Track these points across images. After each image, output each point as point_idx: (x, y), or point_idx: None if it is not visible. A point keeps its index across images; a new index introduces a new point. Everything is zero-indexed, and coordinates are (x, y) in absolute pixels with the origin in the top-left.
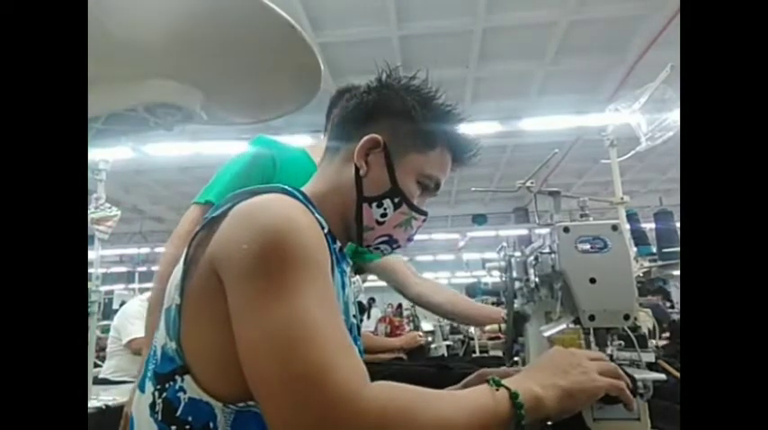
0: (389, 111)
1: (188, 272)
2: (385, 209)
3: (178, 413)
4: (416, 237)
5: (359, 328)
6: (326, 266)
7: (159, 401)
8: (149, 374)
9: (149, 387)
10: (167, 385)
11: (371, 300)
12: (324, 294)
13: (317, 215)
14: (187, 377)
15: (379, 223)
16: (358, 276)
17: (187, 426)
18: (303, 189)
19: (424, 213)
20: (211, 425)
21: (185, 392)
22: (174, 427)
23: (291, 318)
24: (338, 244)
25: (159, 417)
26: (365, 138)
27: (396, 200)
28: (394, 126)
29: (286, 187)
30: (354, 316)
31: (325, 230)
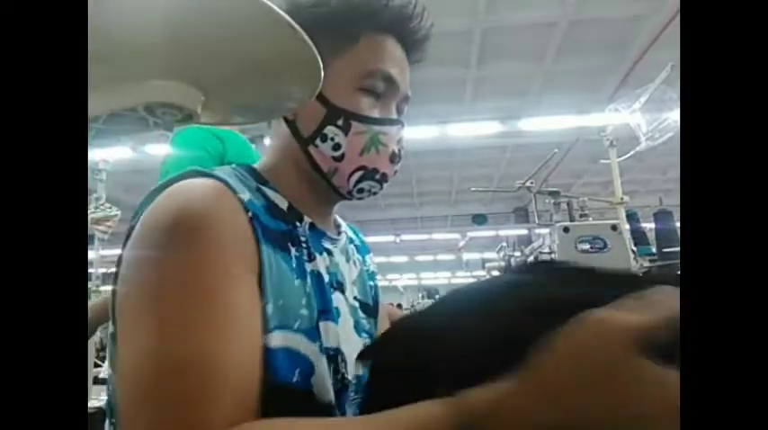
0: (329, 24)
1: (115, 297)
2: (333, 138)
3: None
4: (416, 237)
5: (369, 306)
6: (238, 262)
7: None
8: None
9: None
10: (113, 420)
11: None
12: (212, 304)
13: (268, 193)
14: (114, 416)
15: (336, 159)
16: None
17: None
18: (256, 166)
19: (392, 121)
20: None
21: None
22: None
23: (160, 345)
24: (306, 219)
25: None
26: None
27: (339, 122)
28: (334, 40)
29: (197, 169)
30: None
31: (285, 207)
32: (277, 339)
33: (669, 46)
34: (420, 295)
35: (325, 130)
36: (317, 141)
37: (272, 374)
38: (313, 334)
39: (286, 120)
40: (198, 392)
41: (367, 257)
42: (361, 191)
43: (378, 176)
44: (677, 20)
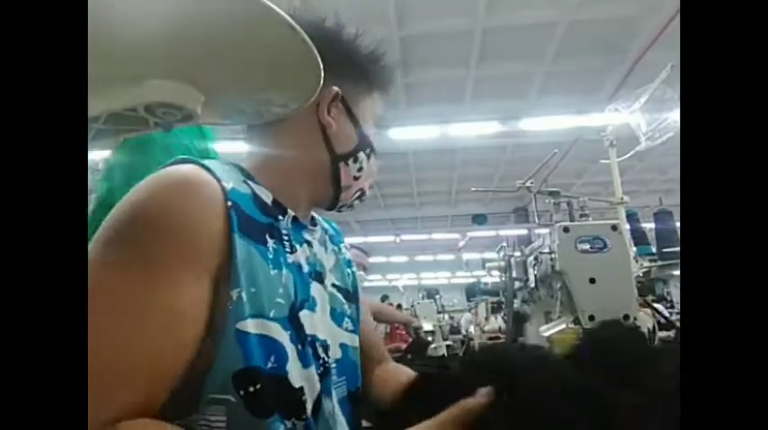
0: (332, 60)
1: None
2: (361, 163)
3: None
4: (416, 237)
5: (349, 292)
6: (196, 253)
7: None
8: None
9: None
10: None
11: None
12: (147, 298)
13: (254, 186)
14: None
15: (356, 179)
16: (363, 272)
17: None
18: (244, 163)
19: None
20: None
21: None
22: None
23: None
24: (290, 213)
25: None
26: (328, 92)
27: (367, 151)
28: (340, 75)
29: (186, 157)
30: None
31: (269, 201)
32: (251, 326)
33: (669, 46)
34: (420, 295)
35: (358, 155)
36: (350, 161)
37: (246, 359)
38: (289, 323)
39: (324, 133)
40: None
41: (341, 246)
42: (350, 206)
43: (363, 197)
44: (677, 20)
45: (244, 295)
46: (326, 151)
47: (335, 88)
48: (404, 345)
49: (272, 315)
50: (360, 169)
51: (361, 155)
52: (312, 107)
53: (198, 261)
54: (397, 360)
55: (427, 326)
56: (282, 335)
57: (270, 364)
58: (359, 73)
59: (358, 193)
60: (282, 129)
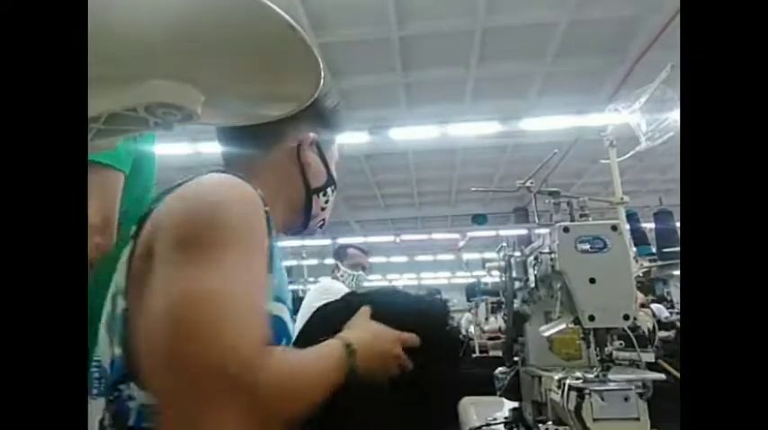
0: (310, 111)
1: (128, 275)
2: (327, 196)
3: (130, 422)
4: (416, 237)
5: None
6: (260, 238)
7: (107, 415)
8: (97, 390)
9: (97, 405)
10: (111, 397)
11: None
12: (251, 268)
13: (259, 191)
14: (132, 384)
15: (322, 209)
16: (363, 272)
17: None
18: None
19: None
20: None
21: (134, 400)
22: None
23: (193, 289)
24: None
25: None
26: (308, 137)
27: (332, 187)
28: (314, 124)
29: (219, 168)
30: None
31: (267, 208)
32: (275, 308)
33: (669, 46)
34: None
35: (327, 190)
36: (320, 194)
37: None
38: (291, 310)
39: (303, 170)
40: (236, 319)
41: None
42: (311, 232)
43: (323, 226)
44: (677, 20)
45: (275, 281)
46: (303, 185)
47: (313, 134)
48: None
49: (285, 300)
50: (326, 201)
51: (329, 190)
52: (293, 148)
53: (263, 248)
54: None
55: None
56: (289, 321)
57: (282, 344)
58: (328, 123)
59: (321, 222)
60: (266, 163)
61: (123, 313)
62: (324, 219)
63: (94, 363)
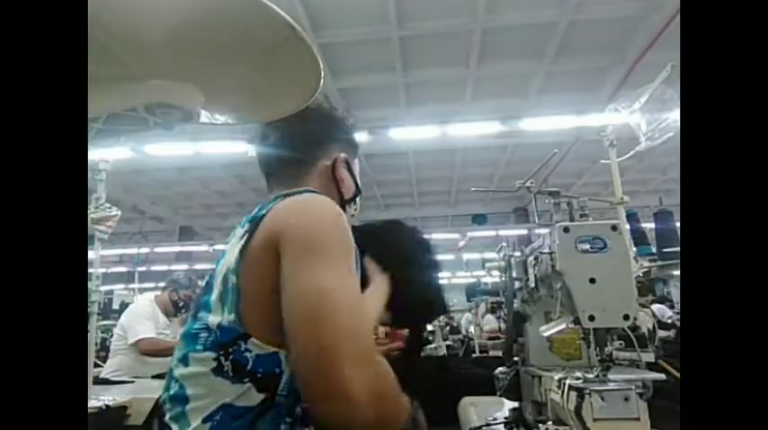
0: (334, 134)
1: (242, 259)
2: (356, 205)
3: (249, 367)
4: None
5: None
6: (352, 245)
7: (227, 363)
8: (207, 344)
9: (208, 355)
10: (230, 350)
11: None
12: (352, 271)
13: None
14: (250, 340)
15: (352, 216)
16: None
17: (258, 375)
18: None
19: None
20: (277, 370)
21: (251, 352)
22: (246, 379)
23: (327, 284)
24: None
25: (230, 375)
26: (340, 157)
27: (358, 198)
28: (341, 143)
29: (308, 188)
30: None
31: None
32: None
33: (669, 46)
34: None
35: (355, 200)
36: (351, 203)
37: None
38: None
39: (336, 183)
40: (362, 320)
41: None
42: None
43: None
44: (677, 20)
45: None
46: (338, 196)
47: (343, 154)
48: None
49: None
50: (355, 209)
51: (357, 199)
52: (328, 166)
53: (353, 253)
54: (396, 359)
55: (427, 326)
56: None
57: None
58: (351, 142)
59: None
60: (311, 180)
61: (234, 287)
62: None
63: (201, 325)
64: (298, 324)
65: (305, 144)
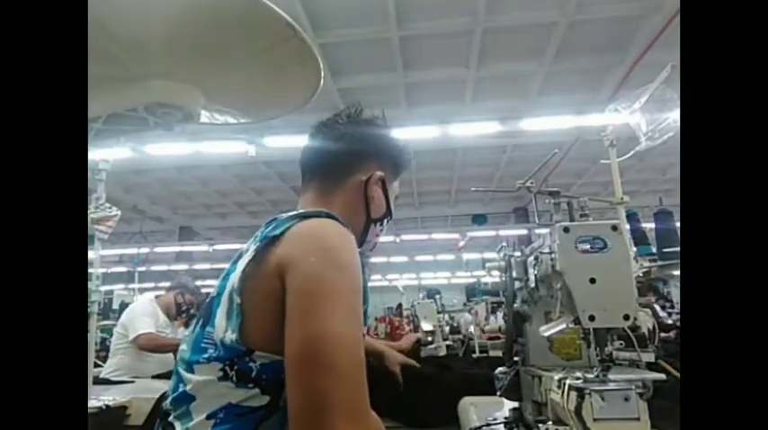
0: (378, 151)
1: (246, 279)
2: (382, 226)
3: (254, 375)
4: (416, 237)
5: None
6: (360, 275)
7: (232, 373)
8: (212, 358)
9: (214, 365)
10: (235, 361)
11: None
12: (356, 311)
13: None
14: (254, 354)
15: (377, 236)
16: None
17: (263, 381)
18: (326, 210)
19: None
20: (283, 375)
21: (255, 362)
22: (251, 385)
23: (324, 331)
24: None
25: (235, 380)
26: (375, 175)
27: (388, 219)
28: (382, 162)
29: (328, 212)
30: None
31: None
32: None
33: (669, 46)
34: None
35: (383, 221)
36: (378, 224)
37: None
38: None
39: (366, 200)
40: (360, 370)
41: None
42: (362, 253)
43: (373, 249)
44: (677, 20)
45: (366, 310)
46: (365, 214)
47: (380, 173)
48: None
49: (366, 318)
50: (381, 230)
51: (386, 221)
52: (362, 181)
53: (361, 286)
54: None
55: (427, 327)
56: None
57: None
58: (394, 164)
59: (373, 246)
60: (341, 191)
61: (238, 307)
62: (375, 244)
63: (208, 339)
64: (295, 371)
65: (348, 149)
